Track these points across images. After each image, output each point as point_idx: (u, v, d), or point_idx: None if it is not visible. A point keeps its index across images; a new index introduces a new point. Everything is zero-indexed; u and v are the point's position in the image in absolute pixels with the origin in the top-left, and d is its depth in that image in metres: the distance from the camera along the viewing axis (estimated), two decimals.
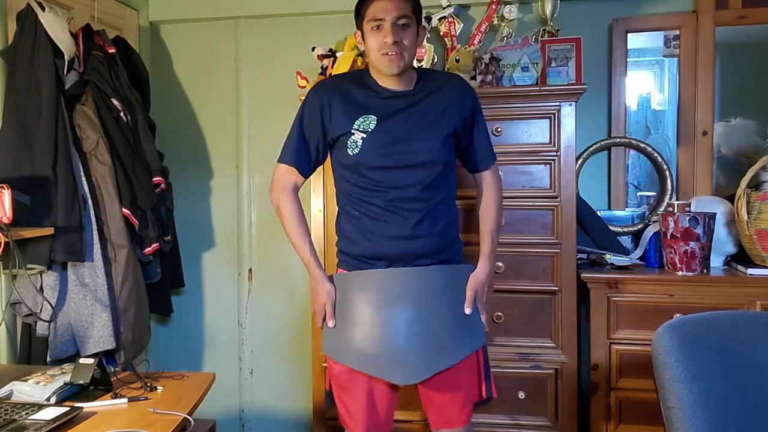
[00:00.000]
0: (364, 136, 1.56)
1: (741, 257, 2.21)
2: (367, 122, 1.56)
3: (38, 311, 1.92)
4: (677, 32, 2.41)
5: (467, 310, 1.60)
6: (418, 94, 1.60)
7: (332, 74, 2.18)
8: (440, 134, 1.58)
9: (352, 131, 1.56)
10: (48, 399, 1.51)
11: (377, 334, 1.56)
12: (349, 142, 1.57)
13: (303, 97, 2.24)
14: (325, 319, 1.65)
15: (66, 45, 2.00)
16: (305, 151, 1.64)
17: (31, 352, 2.01)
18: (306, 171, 1.67)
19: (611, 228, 2.38)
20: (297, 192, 1.67)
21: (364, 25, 1.55)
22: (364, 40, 1.58)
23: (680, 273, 2.10)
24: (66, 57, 2.01)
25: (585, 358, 2.22)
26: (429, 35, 2.39)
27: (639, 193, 2.51)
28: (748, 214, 2.09)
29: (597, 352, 2.13)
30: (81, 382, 1.56)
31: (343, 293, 1.62)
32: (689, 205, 2.17)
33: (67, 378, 1.57)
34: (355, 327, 1.59)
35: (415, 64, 2.27)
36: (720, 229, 2.20)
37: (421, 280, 1.57)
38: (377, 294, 1.58)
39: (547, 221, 2.13)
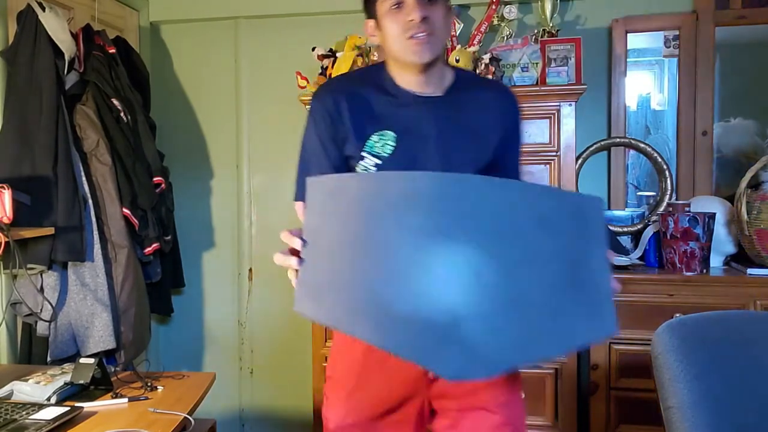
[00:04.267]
0: (379, 162, 1.19)
1: (741, 257, 2.21)
2: (382, 142, 1.20)
3: (38, 311, 1.92)
4: (677, 32, 2.41)
5: (615, 283, 0.94)
6: (450, 104, 1.22)
7: (333, 75, 1.99)
8: (475, 163, 1.22)
9: (363, 154, 1.20)
10: (48, 399, 1.51)
11: (411, 283, 0.89)
12: (358, 170, 1.21)
13: (303, 98, 2.27)
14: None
15: (66, 45, 2.00)
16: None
17: (32, 352, 2.01)
18: None
19: (611, 228, 2.38)
20: None
21: (379, 6, 1.18)
22: (379, 28, 1.20)
23: (680, 273, 2.10)
24: (66, 57, 2.01)
25: (585, 358, 2.22)
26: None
27: (639, 193, 2.51)
28: (747, 214, 2.09)
29: (597, 352, 2.13)
30: (81, 381, 1.56)
31: (346, 202, 0.97)
32: (689, 205, 2.17)
33: (68, 378, 1.57)
34: (365, 263, 0.94)
35: None
36: (720, 229, 2.20)
37: (505, 199, 0.90)
38: (418, 211, 0.90)
39: None
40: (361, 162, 1.20)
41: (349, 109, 1.21)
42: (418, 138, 1.20)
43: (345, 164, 1.23)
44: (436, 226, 0.89)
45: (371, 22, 1.23)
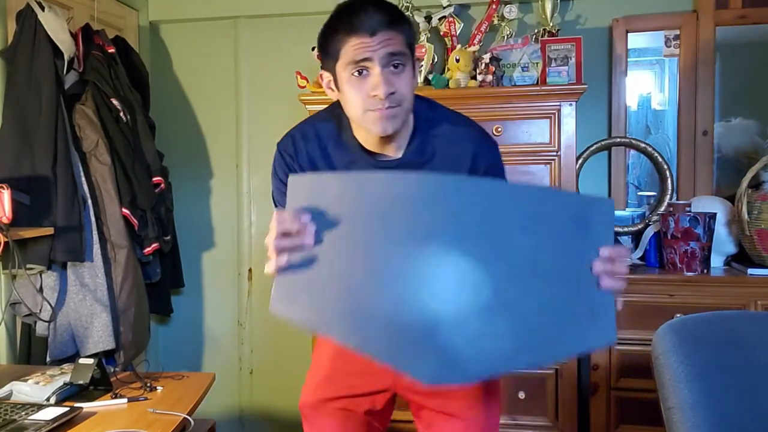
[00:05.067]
0: None
1: (741, 257, 2.21)
2: None
3: (38, 311, 1.92)
4: (677, 32, 2.40)
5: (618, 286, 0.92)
6: (409, 165, 1.18)
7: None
8: None
9: None
10: (48, 399, 1.51)
11: (391, 285, 0.89)
12: None
13: (302, 98, 2.27)
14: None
15: (66, 45, 2.00)
16: None
17: (31, 352, 2.01)
18: None
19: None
20: None
21: (338, 69, 1.10)
22: (336, 86, 1.14)
23: (681, 273, 2.09)
24: (66, 57, 2.01)
25: (585, 358, 2.22)
26: (429, 35, 2.38)
27: (639, 193, 2.51)
28: (748, 214, 2.08)
29: (597, 352, 2.12)
30: (81, 382, 1.56)
31: (327, 203, 0.96)
32: (689, 205, 2.17)
33: (67, 378, 1.57)
34: (344, 265, 0.93)
35: None
36: (720, 229, 2.19)
37: (495, 201, 0.88)
38: (400, 214, 0.89)
39: None
40: None
41: (314, 166, 1.20)
42: None
43: None
44: (418, 228, 0.87)
45: (329, 77, 1.15)
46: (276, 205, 1.26)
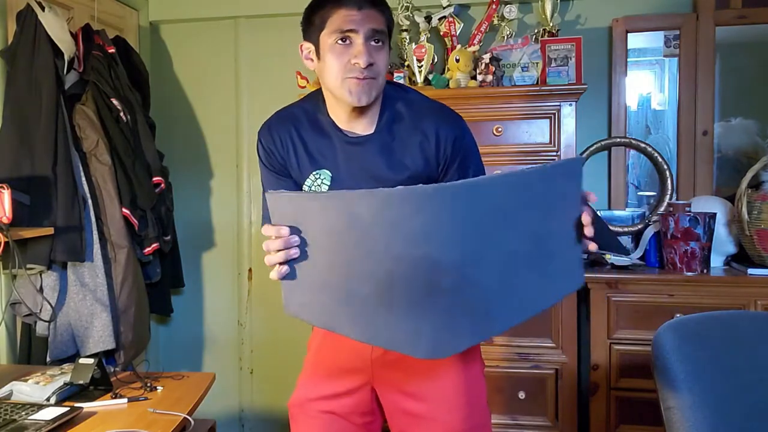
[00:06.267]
0: None
1: (741, 257, 2.21)
2: (319, 181, 1.27)
3: (38, 311, 1.92)
4: (677, 32, 2.41)
5: (588, 230, 1.04)
6: (380, 142, 1.23)
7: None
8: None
9: (304, 189, 1.31)
10: (48, 399, 1.51)
11: (380, 282, 0.95)
12: None
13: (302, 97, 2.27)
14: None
15: (66, 45, 2.00)
16: None
17: (31, 352, 2.01)
18: None
19: (611, 228, 2.38)
20: None
21: (323, 37, 1.17)
22: (318, 56, 1.20)
23: (681, 273, 2.10)
24: (66, 57, 2.01)
25: (585, 358, 2.22)
26: (429, 35, 2.39)
27: (639, 193, 2.51)
28: (748, 214, 2.08)
29: (597, 352, 2.13)
30: (81, 382, 1.56)
31: (314, 220, 1.02)
32: (689, 205, 2.17)
33: (67, 378, 1.57)
34: (337, 267, 1.00)
35: (415, 64, 2.27)
36: (720, 229, 2.20)
37: (461, 201, 0.91)
38: (377, 228, 0.95)
39: None
40: None
41: (291, 148, 1.27)
42: (350, 177, 1.23)
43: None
44: (400, 237, 0.92)
45: (310, 47, 1.22)
46: (264, 191, 1.32)
